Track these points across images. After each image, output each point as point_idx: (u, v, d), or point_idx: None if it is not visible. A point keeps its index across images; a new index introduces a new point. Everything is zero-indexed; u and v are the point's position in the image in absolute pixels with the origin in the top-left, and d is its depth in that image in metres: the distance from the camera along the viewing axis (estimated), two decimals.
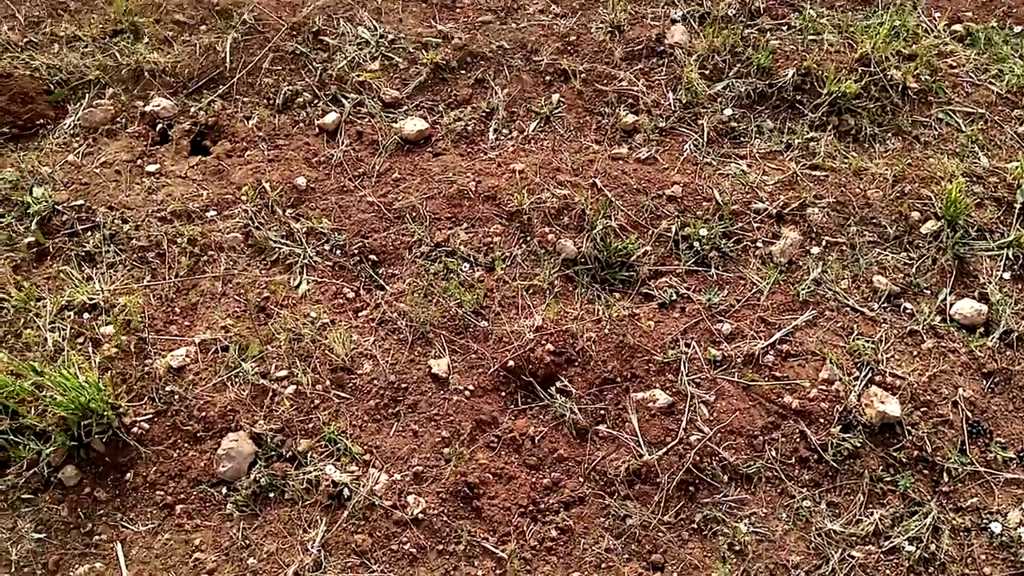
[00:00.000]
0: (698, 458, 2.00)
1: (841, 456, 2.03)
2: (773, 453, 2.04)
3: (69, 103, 2.73)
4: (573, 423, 2.06)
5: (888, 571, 1.87)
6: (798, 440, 2.06)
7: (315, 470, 1.92)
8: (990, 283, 2.34)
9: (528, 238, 2.40)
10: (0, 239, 2.34)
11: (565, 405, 2.07)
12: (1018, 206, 2.51)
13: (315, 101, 2.75)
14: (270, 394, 2.05)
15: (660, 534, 1.91)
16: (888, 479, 2.00)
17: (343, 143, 2.64)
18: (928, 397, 2.12)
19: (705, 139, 2.67)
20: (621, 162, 2.61)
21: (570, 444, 2.04)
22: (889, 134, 2.73)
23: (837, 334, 2.25)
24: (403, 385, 2.09)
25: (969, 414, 2.10)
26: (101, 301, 2.19)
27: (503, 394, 2.11)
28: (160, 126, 2.67)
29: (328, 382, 2.08)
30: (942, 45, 2.96)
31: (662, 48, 2.89)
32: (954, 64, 2.92)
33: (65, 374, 1.91)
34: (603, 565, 1.86)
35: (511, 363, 2.13)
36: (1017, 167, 2.59)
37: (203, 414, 2.00)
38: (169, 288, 2.25)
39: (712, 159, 2.63)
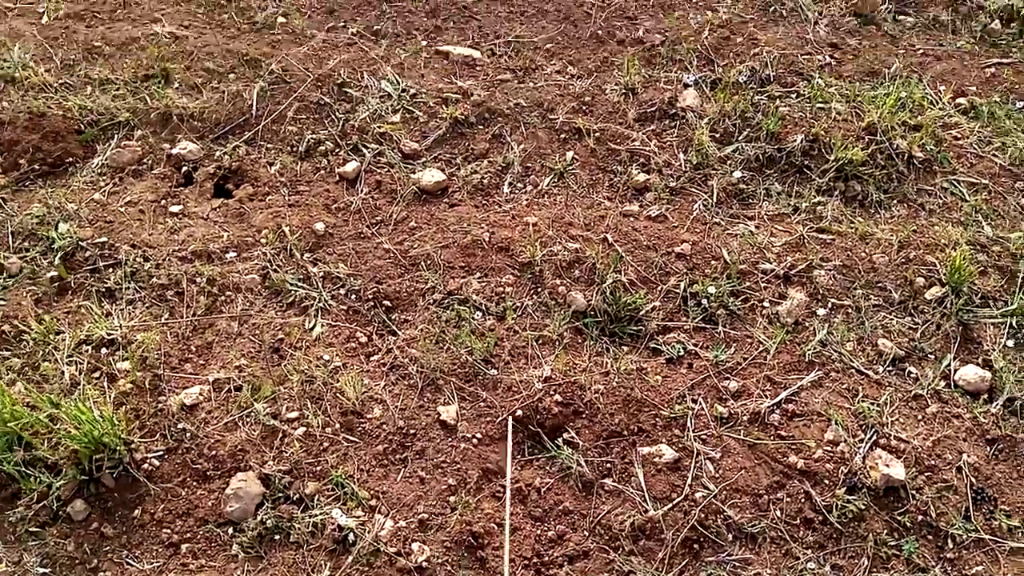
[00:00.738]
0: (703, 515, 2.05)
1: (846, 518, 2.07)
2: (778, 513, 2.08)
3: (98, 143, 2.89)
4: (579, 475, 2.12)
5: None
6: (803, 500, 2.11)
7: (321, 514, 1.98)
8: (994, 350, 2.42)
9: (539, 289, 2.50)
10: (24, 272, 2.45)
11: (572, 457, 2.14)
12: (1021, 275, 2.61)
13: (337, 150, 2.90)
14: (280, 435, 2.12)
15: None
16: (892, 543, 2.05)
17: (362, 191, 2.78)
18: (932, 462, 2.18)
19: (714, 199, 2.80)
20: (632, 219, 2.73)
21: (576, 497, 2.09)
22: (895, 201, 2.86)
23: (842, 395, 2.32)
24: (411, 431, 2.16)
25: (973, 480, 2.15)
26: (119, 337, 2.28)
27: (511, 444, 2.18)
28: (185, 168, 2.82)
29: (338, 425, 2.15)
30: (947, 117, 3.12)
31: (674, 111, 3.05)
32: (959, 136, 3.07)
33: (80, 407, 1.99)
34: None
35: (519, 412, 2.21)
36: (1020, 237, 2.70)
37: (213, 453, 2.07)
38: (186, 326, 2.35)
39: (721, 219, 2.75)
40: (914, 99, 3.13)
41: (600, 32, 3.44)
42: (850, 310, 2.53)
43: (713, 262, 2.60)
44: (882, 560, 2.02)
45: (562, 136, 2.99)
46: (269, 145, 2.92)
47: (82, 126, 2.91)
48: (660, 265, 2.57)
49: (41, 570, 1.87)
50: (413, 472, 2.09)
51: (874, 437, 2.22)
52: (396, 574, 1.91)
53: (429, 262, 2.55)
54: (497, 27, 3.45)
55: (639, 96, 3.12)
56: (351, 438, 2.14)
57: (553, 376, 2.27)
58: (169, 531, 1.95)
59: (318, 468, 2.07)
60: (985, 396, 2.34)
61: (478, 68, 3.24)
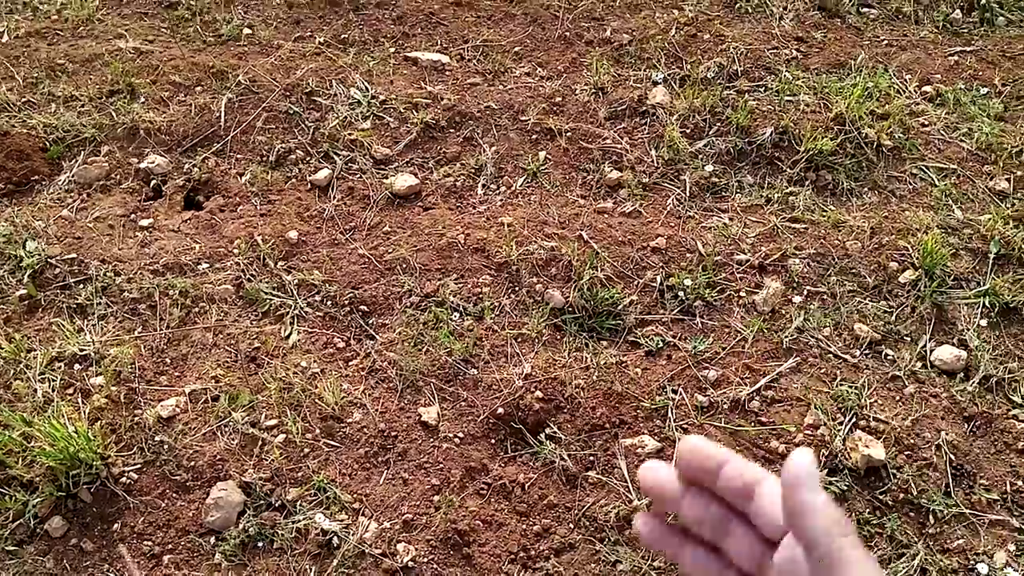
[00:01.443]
0: None
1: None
2: None
3: (64, 160, 2.92)
4: (563, 469, 2.17)
5: None
6: None
7: (304, 519, 2.02)
8: (968, 330, 2.52)
9: (517, 288, 2.57)
10: None
11: (555, 452, 2.19)
12: (992, 256, 2.72)
13: (307, 158, 2.96)
14: (260, 443, 2.16)
15: None
16: (876, 522, 2.12)
17: (335, 198, 2.84)
18: (912, 441, 2.26)
19: (688, 194, 2.89)
20: (606, 216, 2.81)
21: (560, 491, 2.15)
22: (865, 189, 2.97)
23: (821, 380, 2.40)
24: (393, 433, 2.21)
25: (952, 457, 2.24)
26: (92, 352, 2.31)
27: (493, 441, 2.23)
28: (154, 182, 2.86)
29: (318, 431, 2.20)
30: (913, 105, 3.25)
31: (644, 108, 3.15)
32: (926, 123, 3.20)
33: (55, 424, 2.02)
34: None
35: (501, 410, 2.26)
36: (989, 219, 2.82)
37: (192, 463, 2.10)
38: (160, 339, 2.38)
39: (695, 213, 2.84)
40: (880, 89, 3.26)
41: (568, 34, 3.55)
42: (825, 296, 2.62)
43: (688, 255, 2.68)
44: (866, 539, 2.09)
45: (534, 137, 3.07)
46: (239, 156, 2.97)
47: (47, 144, 2.95)
48: (636, 260, 2.65)
49: None
50: (396, 474, 2.14)
51: (853, 419, 2.30)
52: (382, 575, 1.95)
53: (405, 266, 2.61)
54: (465, 32, 3.54)
55: (609, 95, 3.22)
56: (332, 443, 2.18)
57: (533, 373, 2.34)
58: (150, 543, 1.98)
59: (299, 474, 2.11)
60: (961, 375, 2.43)
61: (447, 73, 3.32)
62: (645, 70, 3.34)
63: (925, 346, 2.50)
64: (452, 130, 3.08)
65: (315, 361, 2.35)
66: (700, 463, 0.65)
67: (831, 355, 2.46)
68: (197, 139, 3.01)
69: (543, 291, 2.55)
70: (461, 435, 2.22)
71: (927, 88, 3.35)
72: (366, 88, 3.19)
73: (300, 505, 2.05)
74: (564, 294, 2.54)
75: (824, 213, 2.85)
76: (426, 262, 2.62)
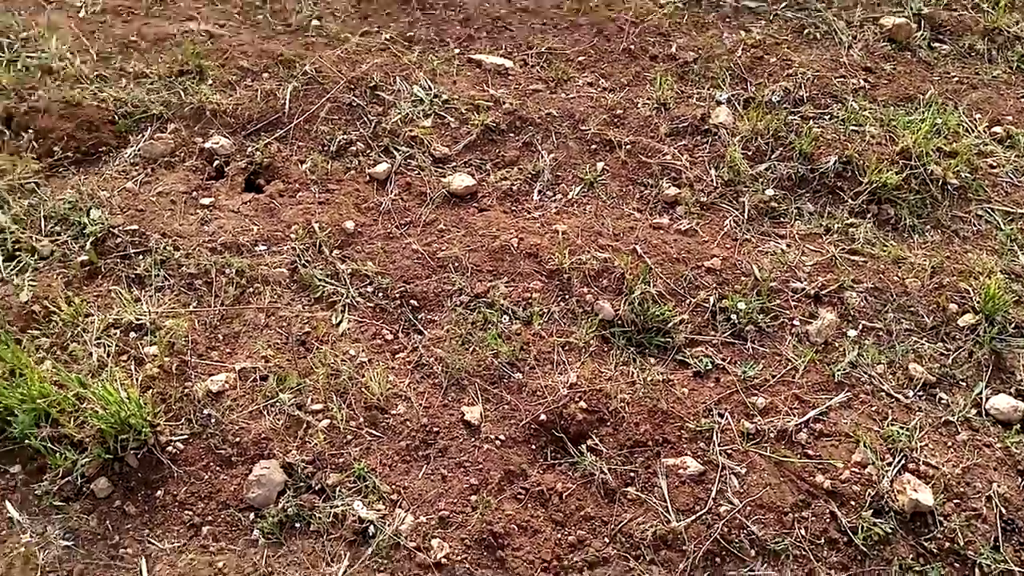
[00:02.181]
0: (726, 529, 2.12)
1: (871, 541, 2.14)
2: (802, 531, 2.15)
3: (132, 134, 3.04)
4: (602, 482, 2.19)
5: None
6: (828, 521, 2.17)
7: (343, 505, 2.06)
8: None
9: (567, 296, 2.60)
10: (55, 255, 2.58)
11: (595, 464, 2.22)
12: None
13: (368, 151, 3.04)
14: (304, 426, 2.21)
15: None
16: (918, 568, 2.10)
17: (392, 192, 2.91)
18: (961, 489, 2.24)
19: (746, 216, 2.90)
20: (661, 231, 2.84)
21: (598, 503, 2.17)
22: (928, 227, 2.96)
23: (871, 418, 2.39)
24: (435, 429, 2.25)
25: (1004, 511, 2.21)
26: (147, 322, 2.40)
27: (533, 447, 2.26)
28: (217, 162, 2.96)
29: (362, 419, 2.25)
30: (982, 145, 3.23)
31: (706, 127, 3.18)
32: (994, 164, 3.18)
33: (108, 388, 2.10)
34: None
35: (543, 417, 2.29)
36: None
37: (237, 439, 2.17)
38: (214, 315, 2.46)
39: (752, 236, 2.85)
40: (949, 126, 3.24)
41: (633, 47, 3.59)
42: (881, 333, 2.61)
43: (743, 278, 2.70)
44: None
45: (593, 147, 3.11)
46: (301, 143, 3.06)
47: (116, 117, 3.06)
48: (689, 278, 2.67)
49: (64, 543, 1.96)
50: (435, 469, 2.18)
51: (903, 461, 2.28)
52: (415, 568, 1.98)
53: (457, 264, 2.66)
54: (530, 38, 3.61)
55: (671, 111, 3.25)
56: (375, 432, 2.23)
57: (578, 383, 2.36)
58: (191, 512, 2.04)
59: (341, 460, 2.16)
60: (1017, 426, 2.40)
61: (510, 77, 3.39)
62: (709, 89, 3.37)
63: (981, 393, 2.48)
64: (512, 134, 3.14)
65: (363, 350, 2.41)
66: None
67: (883, 393, 2.45)
68: (261, 124, 3.10)
69: (593, 302, 2.58)
70: (502, 438, 2.25)
71: (997, 129, 3.33)
72: (429, 86, 3.27)
73: (339, 491, 2.10)
74: (614, 306, 2.56)
75: (884, 248, 2.85)
76: (478, 263, 2.67)
